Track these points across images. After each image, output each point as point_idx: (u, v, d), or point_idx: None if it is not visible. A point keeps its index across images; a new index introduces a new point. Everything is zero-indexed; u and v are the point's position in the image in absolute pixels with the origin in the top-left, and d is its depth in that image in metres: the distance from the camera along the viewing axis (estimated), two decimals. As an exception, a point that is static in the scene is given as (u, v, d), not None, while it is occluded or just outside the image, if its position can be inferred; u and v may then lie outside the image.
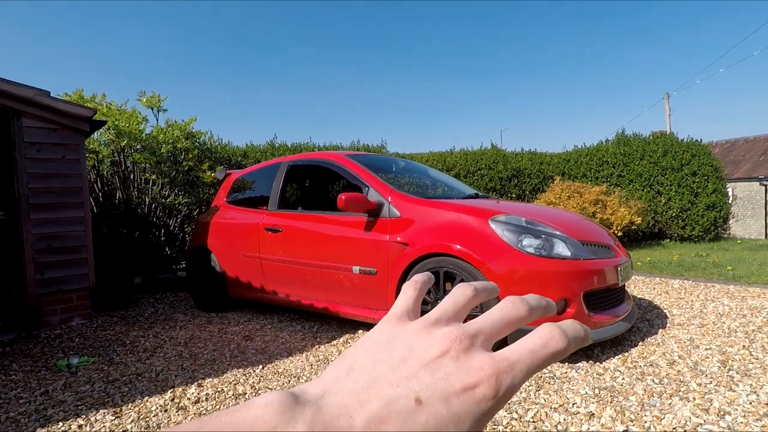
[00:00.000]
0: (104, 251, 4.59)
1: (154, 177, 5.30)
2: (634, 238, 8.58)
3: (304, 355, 2.77)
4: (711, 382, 2.12)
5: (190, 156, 5.53)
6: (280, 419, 0.20)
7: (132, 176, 5.39)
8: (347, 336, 3.12)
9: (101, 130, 4.95)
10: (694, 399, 1.95)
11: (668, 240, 9.01)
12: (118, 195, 5.22)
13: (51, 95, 3.39)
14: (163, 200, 5.27)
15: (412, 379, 0.23)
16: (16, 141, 3.31)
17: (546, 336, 0.25)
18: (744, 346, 2.60)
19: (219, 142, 7.25)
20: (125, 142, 4.91)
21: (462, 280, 2.50)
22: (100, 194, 5.16)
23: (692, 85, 52.31)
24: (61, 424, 1.91)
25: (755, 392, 1.99)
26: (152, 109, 5.41)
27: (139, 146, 5.23)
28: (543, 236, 2.50)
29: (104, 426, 1.88)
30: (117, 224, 5.08)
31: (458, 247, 2.52)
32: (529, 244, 2.47)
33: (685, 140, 9.25)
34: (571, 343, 0.26)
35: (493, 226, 2.55)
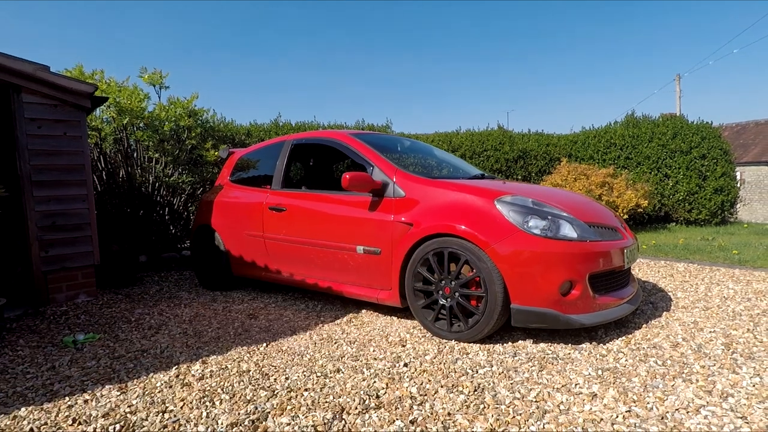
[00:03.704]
0: (108, 229, 4.60)
1: (157, 155, 5.27)
2: (639, 221, 8.51)
3: (307, 333, 2.78)
4: (714, 365, 2.11)
5: (193, 134, 5.49)
6: None
7: (135, 154, 5.36)
8: (351, 315, 3.13)
9: (103, 107, 4.91)
10: (697, 381, 1.95)
11: (674, 223, 8.94)
12: (121, 173, 5.20)
13: (51, 70, 3.34)
14: (167, 179, 5.26)
15: None
16: (16, 117, 3.28)
17: None
18: (748, 329, 2.59)
19: (222, 120, 7.17)
20: (127, 119, 4.87)
21: (467, 261, 2.49)
22: (104, 172, 5.15)
23: (705, 66, 51.23)
24: (67, 398, 1.94)
25: (759, 375, 1.98)
26: (154, 86, 5.34)
27: (141, 124, 5.18)
28: (549, 217, 2.47)
29: (110, 401, 1.90)
30: (121, 203, 5.08)
31: (463, 227, 2.50)
32: (535, 225, 2.44)
33: (695, 122, 9.09)
34: None
35: (499, 206, 2.52)
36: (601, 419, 1.66)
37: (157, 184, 5.31)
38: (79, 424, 1.71)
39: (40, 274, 3.42)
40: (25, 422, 1.74)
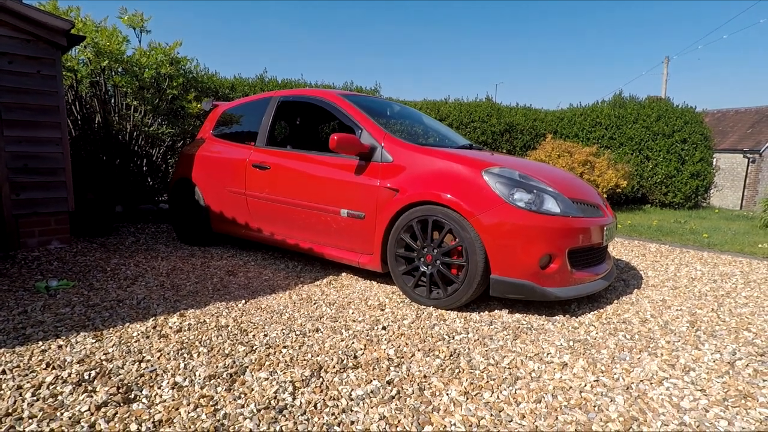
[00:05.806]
0: (84, 177, 4.44)
1: (135, 103, 5.05)
2: (617, 201, 8.70)
3: (287, 293, 2.79)
4: (679, 341, 2.21)
5: (175, 84, 5.26)
6: None
7: (113, 101, 5.13)
8: (330, 277, 3.15)
9: (79, 47, 4.64)
10: (662, 355, 2.04)
11: (649, 205, 9.17)
12: (97, 119, 4.99)
13: (24, 2, 3.11)
14: (146, 128, 5.07)
15: None
16: (-16, 50, 3.06)
17: None
18: (712, 309, 2.71)
19: (206, 71, 6.90)
20: (105, 62, 4.62)
21: (450, 230, 2.50)
22: (79, 117, 4.92)
23: (694, 50, 51.27)
24: (40, 343, 1.91)
25: (719, 352, 2.09)
26: (134, 29, 5.06)
27: (120, 69, 4.93)
28: (535, 191, 2.49)
29: (85, 348, 1.88)
30: (96, 150, 4.89)
31: (449, 196, 2.49)
32: (520, 198, 2.45)
33: (679, 107, 9.19)
34: None
35: (486, 177, 2.52)
36: (571, 387, 1.74)
37: (135, 134, 5.12)
38: (53, 368, 1.69)
39: (10, 217, 3.30)
40: (-3, 366, 1.71)
